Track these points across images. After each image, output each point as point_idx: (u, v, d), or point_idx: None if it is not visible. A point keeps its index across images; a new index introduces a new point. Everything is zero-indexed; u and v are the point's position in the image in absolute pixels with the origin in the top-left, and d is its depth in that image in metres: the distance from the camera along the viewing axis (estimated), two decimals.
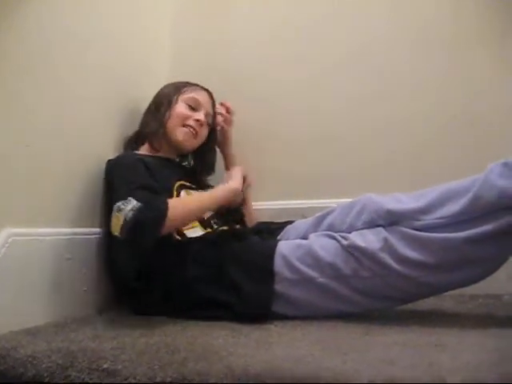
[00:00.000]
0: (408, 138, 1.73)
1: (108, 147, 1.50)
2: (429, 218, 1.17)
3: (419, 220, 1.17)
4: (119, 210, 1.21)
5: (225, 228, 1.48)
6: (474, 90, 1.69)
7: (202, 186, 1.63)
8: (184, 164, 1.69)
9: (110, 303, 1.43)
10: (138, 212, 1.18)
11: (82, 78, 1.38)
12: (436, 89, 1.73)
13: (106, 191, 1.41)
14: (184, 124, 1.56)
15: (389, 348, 0.92)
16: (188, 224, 1.38)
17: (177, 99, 1.57)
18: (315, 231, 1.32)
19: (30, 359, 0.91)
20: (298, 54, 1.88)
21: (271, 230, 1.45)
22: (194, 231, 1.42)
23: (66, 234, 1.29)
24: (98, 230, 1.41)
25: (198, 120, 1.56)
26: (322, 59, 1.84)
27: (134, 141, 1.58)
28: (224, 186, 1.51)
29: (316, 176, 1.79)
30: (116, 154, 1.48)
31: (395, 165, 1.72)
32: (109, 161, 1.43)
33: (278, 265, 1.22)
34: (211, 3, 1.99)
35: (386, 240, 1.16)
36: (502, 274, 1.17)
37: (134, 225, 1.18)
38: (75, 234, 1.33)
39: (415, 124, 1.73)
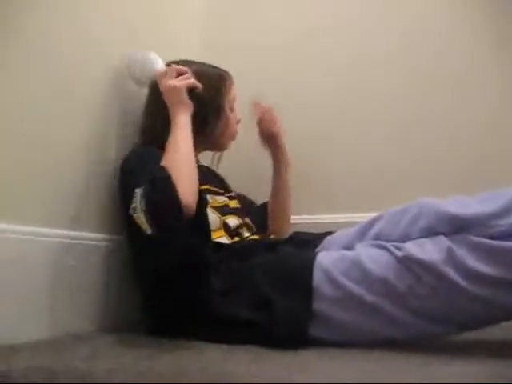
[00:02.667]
0: (451, 141, 1.58)
1: (117, 140, 1.32)
2: (503, 224, 0.95)
3: (491, 227, 0.95)
4: (134, 210, 1.03)
5: (255, 237, 1.28)
6: None
7: (230, 191, 1.44)
8: (212, 168, 1.49)
9: (120, 319, 1.24)
10: (148, 195, 1.01)
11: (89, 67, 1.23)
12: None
13: (120, 195, 1.23)
14: (232, 132, 1.42)
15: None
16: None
17: (224, 105, 1.38)
18: (361, 241, 1.11)
19: (1, 378, 0.73)
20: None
21: (308, 241, 1.23)
22: (220, 240, 1.22)
23: (69, 238, 1.12)
24: (107, 236, 1.24)
25: (239, 121, 1.43)
26: (354, 67, 1.72)
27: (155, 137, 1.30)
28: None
29: (355, 188, 1.64)
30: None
31: (444, 172, 1.56)
32: (124, 156, 1.25)
33: (318, 279, 1.01)
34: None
35: (450, 250, 0.94)
36: None
37: (155, 207, 1.01)
38: (80, 238, 1.15)
39: (456, 125, 1.58)
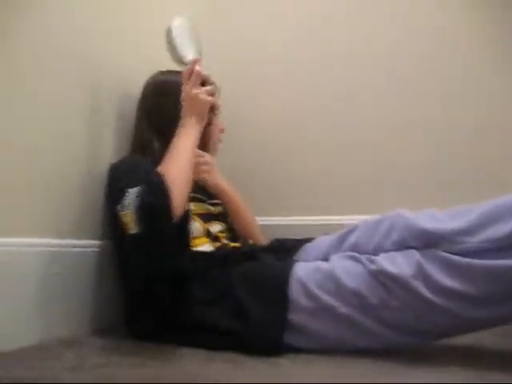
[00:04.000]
0: (437, 150, 1.63)
1: (109, 148, 1.36)
2: (472, 241, 0.98)
3: (460, 243, 0.99)
4: (123, 207, 1.07)
5: (236, 244, 1.32)
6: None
7: (213, 197, 1.47)
8: None
9: (107, 324, 1.28)
10: (142, 195, 1.04)
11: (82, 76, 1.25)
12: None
13: (106, 198, 1.27)
14: (215, 141, 1.43)
15: None
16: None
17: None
18: (337, 251, 1.15)
19: None
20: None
21: (288, 249, 1.28)
22: (204, 247, 1.26)
23: (54, 246, 1.15)
24: (96, 242, 1.27)
25: (222, 130, 1.45)
26: (353, 73, 1.75)
27: (142, 148, 1.36)
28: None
29: (339, 190, 1.68)
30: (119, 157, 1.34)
31: (422, 178, 1.62)
32: (111, 164, 1.29)
33: (294, 290, 1.05)
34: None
35: (419, 265, 0.99)
36: None
37: (147, 209, 1.03)
38: (66, 246, 1.18)
39: (445, 134, 1.64)
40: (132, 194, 1.05)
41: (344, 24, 1.77)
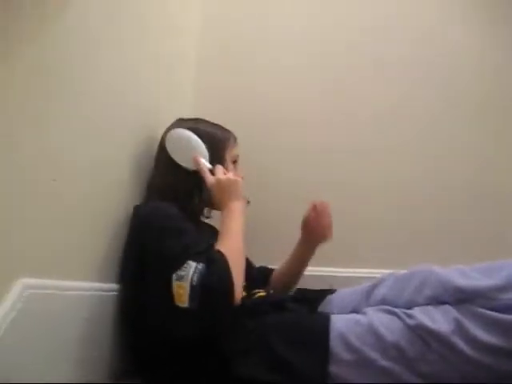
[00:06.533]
0: (452, 206, 1.71)
1: (136, 193, 1.35)
2: (506, 298, 1.04)
3: (494, 299, 1.04)
4: (180, 278, 1.05)
5: (261, 293, 1.31)
6: None
7: None
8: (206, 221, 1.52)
9: (123, 373, 1.23)
10: (203, 275, 1.03)
11: (108, 116, 1.23)
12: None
13: (132, 241, 1.24)
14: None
15: None
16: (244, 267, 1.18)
17: (226, 159, 1.41)
18: (365, 305, 1.18)
19: None
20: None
21: (311, 299, 1.29)
22: None
23: (87, 290, 1.12)
24: (114, 286, 1.23)
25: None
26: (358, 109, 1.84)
27: (161, 193, 1.36)
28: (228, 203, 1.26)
29: (347, 242, 1.69)
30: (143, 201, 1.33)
31: (436, 235, 1.69)
32: (138, 207, 1.28)
33: (335, 342, 1.06)
34: (236, 48, 1.95)
35: (457, 321, 1.03)
36: None
37: (206, 289, 1.03)
38: (95, 289, 1.15)
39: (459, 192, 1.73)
40: (192, 268, 1.05)
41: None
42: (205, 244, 1.15)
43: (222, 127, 1.46)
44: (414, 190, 1.78)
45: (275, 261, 1.62)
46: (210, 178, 1.30)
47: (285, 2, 1.95)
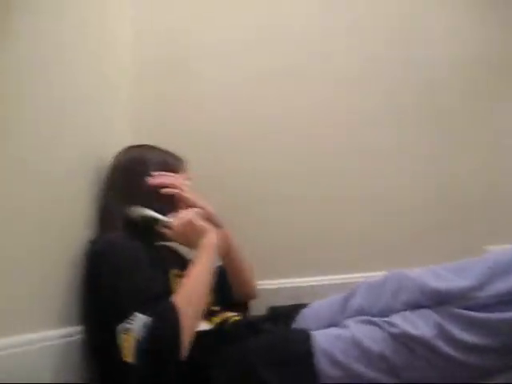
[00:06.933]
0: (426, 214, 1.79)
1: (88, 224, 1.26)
2: (482, 296, 1.05)
3: (470, 299, 1.05)
4: (127, 330, 0.97)
5: (235, 317, 1.26)
6: None
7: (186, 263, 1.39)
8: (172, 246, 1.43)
9: None
10: (150, 331, 0.95)
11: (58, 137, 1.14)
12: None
13: (88, 280, 1.15)
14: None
15: None
16: (201, 315, 1.10)
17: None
18: (342, 316, 1.16)
19: None
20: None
21: (284, 316, 1.26)
22: (201, 329, 1.17)
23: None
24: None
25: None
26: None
27: (114, 222, 1.28)
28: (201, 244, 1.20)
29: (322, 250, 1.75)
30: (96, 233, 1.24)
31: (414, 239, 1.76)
32: (91, 243, 1.18)
33: (320, 361, 1.03)
34: (173, 61, 1.87)
35: (439, 325, 1.03)
36: None
37: (151, 345, 0.94)
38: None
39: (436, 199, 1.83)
40: (139, 321, 0.96)
41: None
42: (159, 286, 1.08)
43: (172, 153, 1.41)
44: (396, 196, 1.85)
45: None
46: (167, 232, 1.25)
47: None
